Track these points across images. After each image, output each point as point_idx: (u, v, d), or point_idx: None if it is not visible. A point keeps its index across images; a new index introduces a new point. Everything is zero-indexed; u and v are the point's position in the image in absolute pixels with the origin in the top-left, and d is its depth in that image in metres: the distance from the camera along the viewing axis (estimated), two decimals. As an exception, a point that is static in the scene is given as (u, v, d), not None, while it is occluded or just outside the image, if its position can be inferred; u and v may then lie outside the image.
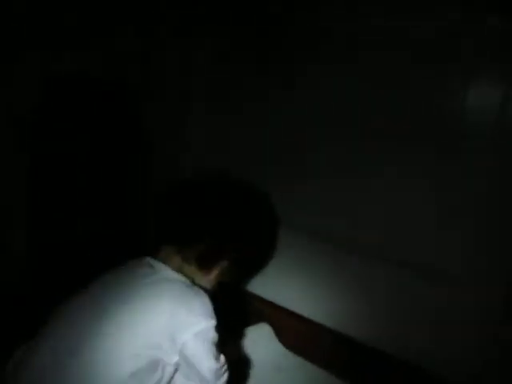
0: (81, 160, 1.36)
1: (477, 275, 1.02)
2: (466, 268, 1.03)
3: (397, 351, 1.14)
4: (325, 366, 1.23)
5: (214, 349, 0.86)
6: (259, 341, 1.27)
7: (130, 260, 0.95)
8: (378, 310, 1.19)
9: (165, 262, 0.94)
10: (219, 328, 0.88)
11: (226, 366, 0.91)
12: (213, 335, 0.86)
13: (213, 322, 0.86)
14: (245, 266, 1.10)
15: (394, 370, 1.14)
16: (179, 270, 0.93)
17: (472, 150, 1.02)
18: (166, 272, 0.91)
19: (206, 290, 0.93)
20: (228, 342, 1.03)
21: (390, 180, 1.15)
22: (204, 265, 0.96)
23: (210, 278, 0.99)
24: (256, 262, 1.26)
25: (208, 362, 0.85)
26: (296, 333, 1.30)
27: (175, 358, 0.83)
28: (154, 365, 0.80)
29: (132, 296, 0.85)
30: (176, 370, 0.85)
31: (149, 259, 0.94)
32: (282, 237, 1.34)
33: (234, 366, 1.06)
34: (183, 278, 0.92)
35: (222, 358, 0.90)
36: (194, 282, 0.95)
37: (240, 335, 1.24)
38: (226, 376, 0.90)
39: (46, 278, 1.23)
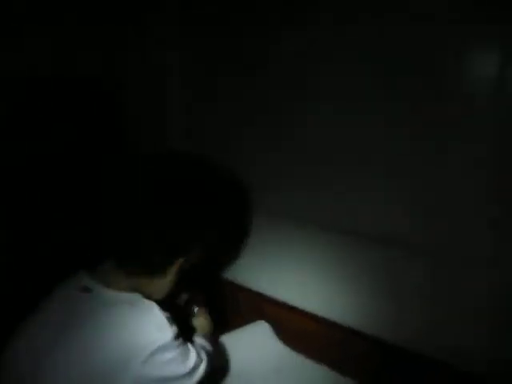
0: (53, 165, 1.28)
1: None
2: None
3: (400, 341, 1.07)
4: (327, 363, 1.16)
5: (175, 360, 0.80)
6: (258, 339, 1.21)
7: (65, 281, 0.86)
8: (378, 298, 1.11)
9: (103, 281, 0.83)
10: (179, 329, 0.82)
11: (197, 359, 0.85)
12: (170, 351, 0.79)
13: (166, 337, 0.78)
14: (206, 253, 0.96)
15: (397, 360, 1.07)
16: (124, 288, 0.83)
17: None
18: (105, 295, 0.81)
19: (162, 299, 0.87)
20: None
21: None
22: (153, 272, 0.86)
23: (165, 281, 0.89)
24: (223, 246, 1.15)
25: (171, 373, 0.80)
26: (296, 328, 1.22)
27: None
28: None
29: (63, 332, 0.76)
30: None
31: (85, 280, 0.83)
32: (276, 228, 1.25)
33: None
34: (127, 296, 0.81)
35: (192, 356, 0.84)
36: (146, 293, 0.85)
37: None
38: (201, 369, 0.86)
39: (24, 286, 1.18)
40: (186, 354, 0.83)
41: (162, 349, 0.77)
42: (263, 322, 1.24)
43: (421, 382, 1.03)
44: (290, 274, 1.26)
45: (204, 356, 0.90)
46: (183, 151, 1.05)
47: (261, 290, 1.29)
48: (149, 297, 0.84)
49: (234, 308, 1.31)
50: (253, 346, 1.18)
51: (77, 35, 1.27)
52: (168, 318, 0.81)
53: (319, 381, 1.13)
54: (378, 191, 1.07)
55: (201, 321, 1.11)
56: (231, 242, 1.32)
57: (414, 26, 0.96)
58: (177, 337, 0.81)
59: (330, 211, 1.17)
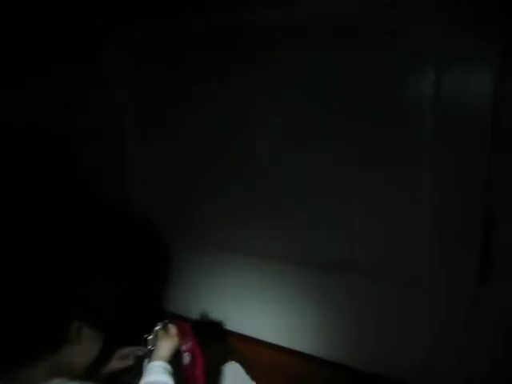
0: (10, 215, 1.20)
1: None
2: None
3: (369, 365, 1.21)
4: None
5: None
6: (230, 378, 1.26)
7: None
8: (343, 324, 1.26)
9: (15, 380, 0.71)
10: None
11: None
12: None
13: None
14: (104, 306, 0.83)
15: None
16: (45, 376, 0.72)
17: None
18: None
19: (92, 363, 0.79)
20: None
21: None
22: (53, 350, 0.74)
23: (80, 347, 0.77)
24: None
25: None
26: (265, 362, 1.31)
27: None
28: None
29: None
30: None
31: None
32: (230, 262, 1.39)
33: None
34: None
35: None
36: (68, 367, 0.76)
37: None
38: None
39: None
40: None
41: None
42: (234, 362, 1.29)
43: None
44: (250, 307, 1.39)
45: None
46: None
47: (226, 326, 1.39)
48: (74, 368, 0.77)
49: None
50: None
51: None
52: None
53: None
54: (327, 218, 1.23)
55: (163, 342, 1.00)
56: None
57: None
58: None
59: (281, 242, 1.32)
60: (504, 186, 1.01)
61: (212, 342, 1.35)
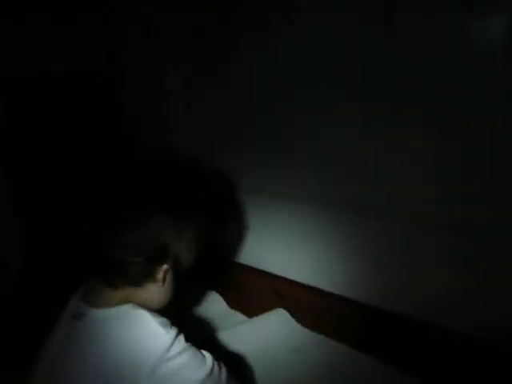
0: (64, 163, 1.31)
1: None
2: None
3: (413, 312, 1.09)
4: (344, 340, 1.22)
5: (184, 367, 0.74)
6: (274, 324, 1.30)
7: (64, 309, 0.84)
8: (386, 270, 1.13)
9: (94, 301, 0.79)
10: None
11: (214, 363, 0.78)
12: (173, 359, 0.72)
13: (163, 345, 0.72)
14: (197, 255, 0.88)
15: (413, 331, 1.09)
16: (116, 302, 0.79)
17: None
18: (96, 318, 0.77)
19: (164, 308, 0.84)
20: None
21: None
22: (138, 283, 0.80)
23: (160, 289, 0.83)
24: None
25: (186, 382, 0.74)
26: (312, 307, 1.28)
27: None
28: None
29: (67, 365, 0.76)
30: None
31: (78, 305, 0.81)
32: (280, 207, 1.30)
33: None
34: (117, 311, 0.76)
35: (207, 360, 0.78)
36: (140, 303, 0.80)
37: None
38: (223, 373, 0.79)
39: (41, 291, 1.26)
40: (196, 357, 0.76)
41: (162, 359, 0.71)
42: (282, 309, 1.33)
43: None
44: (297, 252, 1.31)
45: (222, 364, 0.82)
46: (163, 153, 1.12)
47: (273, 271, 1.36)
48: (146, 307, 0.80)
49: (249, 292, 1.41)
50: (272, 331, 1.28)
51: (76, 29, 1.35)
52: (162, 322, 0.75)
53: (338, 359, 1.19)
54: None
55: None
56: (233, 227, 1.39)
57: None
58: (178, 340, 0.75)
59: (331, 187, 1.18)
60: None
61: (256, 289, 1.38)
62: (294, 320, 1.32)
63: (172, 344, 0.73)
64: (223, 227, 1.34)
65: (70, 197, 1.11)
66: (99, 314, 0.77)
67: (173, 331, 0.75)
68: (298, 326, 1.31)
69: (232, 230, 1.36)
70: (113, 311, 0.77)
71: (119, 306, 0.78)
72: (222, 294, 1.44)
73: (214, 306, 1.43)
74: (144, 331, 0.74)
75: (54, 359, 0.80)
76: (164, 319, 0.77)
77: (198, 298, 1.42)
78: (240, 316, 1.39)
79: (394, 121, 1.02)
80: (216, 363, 0.80)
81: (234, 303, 1.41)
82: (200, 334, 1.19)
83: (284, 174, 1.27)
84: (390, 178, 1.07)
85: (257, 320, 1.34)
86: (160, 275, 0.81)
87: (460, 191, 0.97)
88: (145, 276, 0.81)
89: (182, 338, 0.77)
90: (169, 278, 0.84)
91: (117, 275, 0.80)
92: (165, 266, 0.81)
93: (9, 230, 1.30)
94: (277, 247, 1.35)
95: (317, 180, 1.20)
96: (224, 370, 0.81)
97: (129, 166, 0.92)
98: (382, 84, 1.02)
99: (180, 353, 0.74)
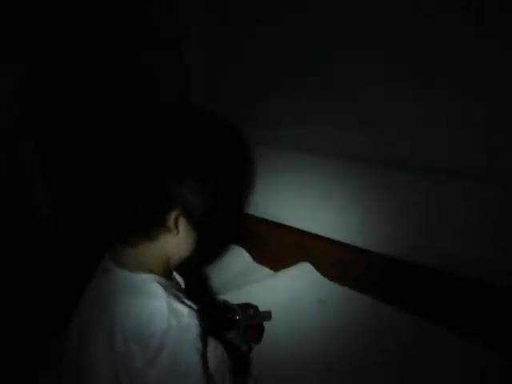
0: (90, 123, 1.29)
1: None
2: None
3: (437, 263, 1.09)
4: (367, 291, 1.24)
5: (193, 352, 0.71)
6: (299, 277, 1.33)
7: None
8: (409, 222, 1.13)
9: (120, 261, 0.79)
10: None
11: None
12: (173, 339, 0.69)
13: (169, 323, 0.69)
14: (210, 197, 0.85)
15: (437, 282, 1.10)
16: (138, 266, 0.77)
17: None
18: (118, 279, 0.77)
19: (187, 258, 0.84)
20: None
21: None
22: (150, 233, 0.78)
23: (176, 239, 0.80)
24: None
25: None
26: (336, 260, 1.30)
27: None
28: None
29: (92, 317, 0.77)
30: None
31: (107, 261, 0.81)
32: (301, 162, 1.30)
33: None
34: (137, 279, 0.76)
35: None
36: (162, 261, 0.81)
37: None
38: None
39: (72, 252, 1.28)
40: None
41: (163, 336, 0.69)
42: (306, 263, 1.35)
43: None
44: (320, 206, 1.31)
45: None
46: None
47: (297, 226, 1.38)
48: (170, 262, 0.82)
49: (273, 246, 1.43)
50: (297, 284, 1.31)
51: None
52: (171, 302, 0.72)
53: (362, 310, 1.21)
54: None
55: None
56: (250, 180, 1.41)
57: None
58: (191, 321, 0.72)
59: (354, 141, 1.16)
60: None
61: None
62: (318, 273, 1.33)
63: (178, 322, 0.70)
64: (240, 180, 1.35)
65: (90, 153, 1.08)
66: (121, 274, 0.77)
67: (184, 309, 0.72)
68: (323, 279, 1.33)
69: (249, 183, 1.36)
70: (134, 278, 0.76)
71: (140, 274, 0.76)
72: (247, 249, 1.46)
73: (239, 261, 1.46)
74: (153, 306, 0.71)
75: (84, 311, 0.82)
76: (184, 309, 0.72)
77: (222, 252, 1.45)
78: (265, 270, 1.42)
79: (418, 68, 0.98)
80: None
81: (259, 258, 1.44)
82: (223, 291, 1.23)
83: (308, 128, 1.25)
84: (414, 129, 1.04)
85: (282, 273, 1.36)
86: (171, 223, 0.77)
87: (485, 140, 0.92)
88: (156, 225, 0.77)
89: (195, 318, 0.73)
90: (182, 226, 0.80)
91: (130, 229, 0.77)
92: (174, 214, 0.77)
93: (37, 190, 1.34)
94: (300, 202, 1.35)
95: (341, 134, 1.18)
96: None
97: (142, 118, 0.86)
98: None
99: (185, 332, 0.71)
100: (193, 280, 0.92)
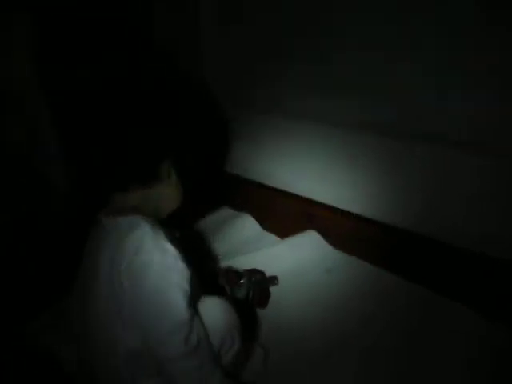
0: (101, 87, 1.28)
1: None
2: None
3: (442, 234, 1.11)
4: (373, 261, 1.27)
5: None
6: (307, 246, 1.35)
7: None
8: (415, 192, 1.14)
9: (111, 209, 0.84)
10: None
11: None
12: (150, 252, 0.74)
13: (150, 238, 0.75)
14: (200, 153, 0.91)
15: (442, 254, 1.12)
16: (129, 211, 0.81)
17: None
18: (105, 226, 0.81)
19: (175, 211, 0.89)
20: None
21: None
22: (143, 180, 0.83)
23: (166, 190, 0.87)
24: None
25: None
26: (343, 229, 1.32)
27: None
28: None
29: (88, 268, 0.83)
30: None
31: (101, 213, 0.85)
32: (310, 130, 1.31)
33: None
34: (126, 221, 0.79)
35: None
36: (152, 208, 0.85)
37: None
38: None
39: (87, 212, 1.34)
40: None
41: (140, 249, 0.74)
42: (313, 231, 1.37)
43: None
44: (327, 175, 1.32)
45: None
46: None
47: (304, 194, 1.39)
48: (160, 211, 0.87)
49: (281, 215, 1.45)
50: (305, 252, 1.34)
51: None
52: (158, 237, 0.77)
53: (368, 279, 1.25)
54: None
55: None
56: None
57: None
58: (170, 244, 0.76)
59: (362, 111, 1.17)
60: None
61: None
62: (325, 241, 1.35)
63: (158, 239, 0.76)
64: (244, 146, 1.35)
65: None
66: (109, 221, 0.82)
67: (169, 260, 0.75)
68: (330, 248, 1.35)
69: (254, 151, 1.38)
70: (123, 220, 0.80)
71: (129, 217, 0.80)
72: (255, 217, 1.48)
73: (248, 228, 1.48)
74: (139, 232, 0.76)
75: (82, 267, 0.87)
76: (165, 233, 0.78)
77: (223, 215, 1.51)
78: (273, 237, 1.44)
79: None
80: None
81: (267, 226, 1.46)
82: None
83: (318, 98, 1.24)
84: (420, 100, 1.04)
85: (289, 241, 1.38)
86: (164, 174, 0.85)
87: (493, 110, 0.92)
88: (150, 174, 0.84)
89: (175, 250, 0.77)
90: (173, 177, 0.87)
91: (128, 176, 0.83)
92: (165, 164, 0.85)
93: (53, 152, 1.33)
94: (307, 171, 1.37)
95: (349, 104, 1.18)
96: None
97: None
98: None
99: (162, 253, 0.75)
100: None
